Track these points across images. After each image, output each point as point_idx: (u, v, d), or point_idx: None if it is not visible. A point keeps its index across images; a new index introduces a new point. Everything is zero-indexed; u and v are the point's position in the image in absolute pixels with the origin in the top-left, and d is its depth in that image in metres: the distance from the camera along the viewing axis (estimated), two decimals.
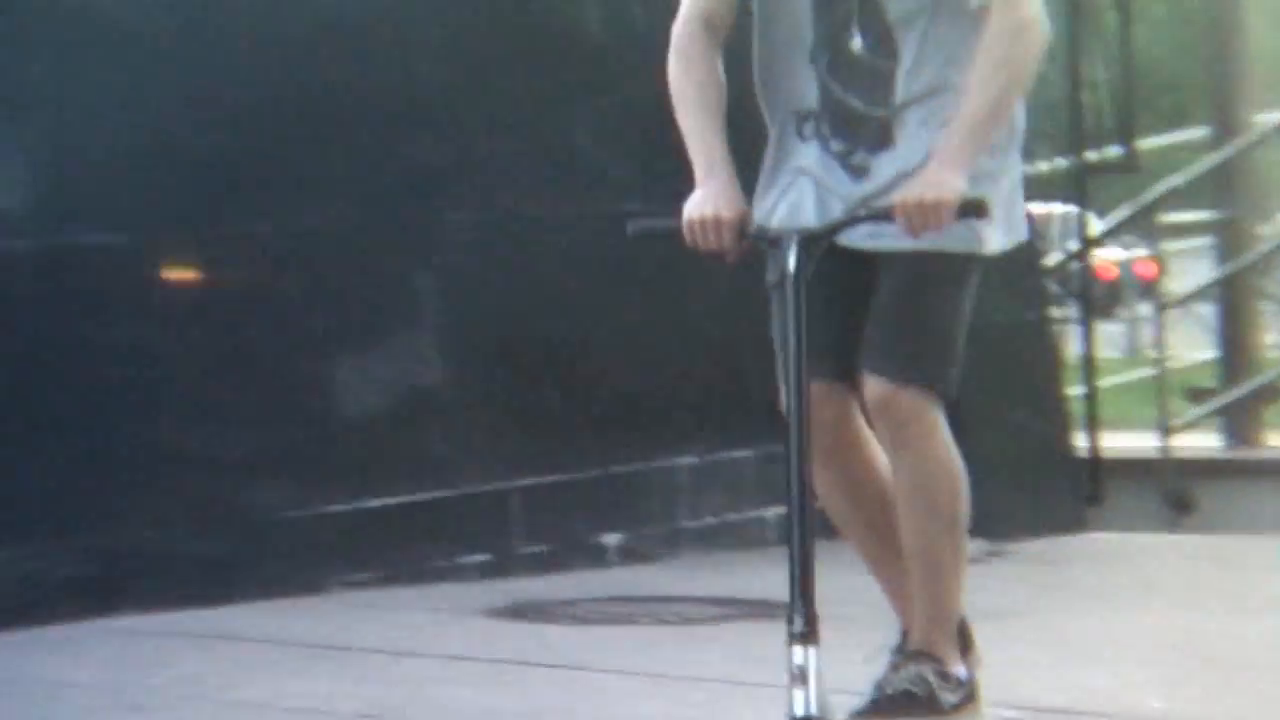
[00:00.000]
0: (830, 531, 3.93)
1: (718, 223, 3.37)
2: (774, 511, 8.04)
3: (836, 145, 3.62)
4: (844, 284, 3.57)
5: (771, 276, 3.38)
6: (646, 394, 8.24)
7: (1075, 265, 10.64)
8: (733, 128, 3.78)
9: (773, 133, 3.77)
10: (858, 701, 3.65)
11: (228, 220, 7.31)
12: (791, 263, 3.26)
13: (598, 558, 7.86)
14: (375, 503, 7.15)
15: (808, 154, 3.65)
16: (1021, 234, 3.75)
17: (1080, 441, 9.57)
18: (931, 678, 3.66)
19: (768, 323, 3.65)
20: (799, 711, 3.09)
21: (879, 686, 3.63)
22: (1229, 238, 11.41)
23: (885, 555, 3.80)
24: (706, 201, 3.41)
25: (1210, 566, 7.96)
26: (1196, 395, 11.11)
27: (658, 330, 8.36)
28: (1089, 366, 10.23)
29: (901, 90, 3.53)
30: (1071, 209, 10.69)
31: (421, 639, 6.39)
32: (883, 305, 3.60)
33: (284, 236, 8.22)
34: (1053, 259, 10.43)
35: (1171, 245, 13.50)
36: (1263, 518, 9.61)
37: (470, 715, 5.36)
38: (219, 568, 7.06)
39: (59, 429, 6.57)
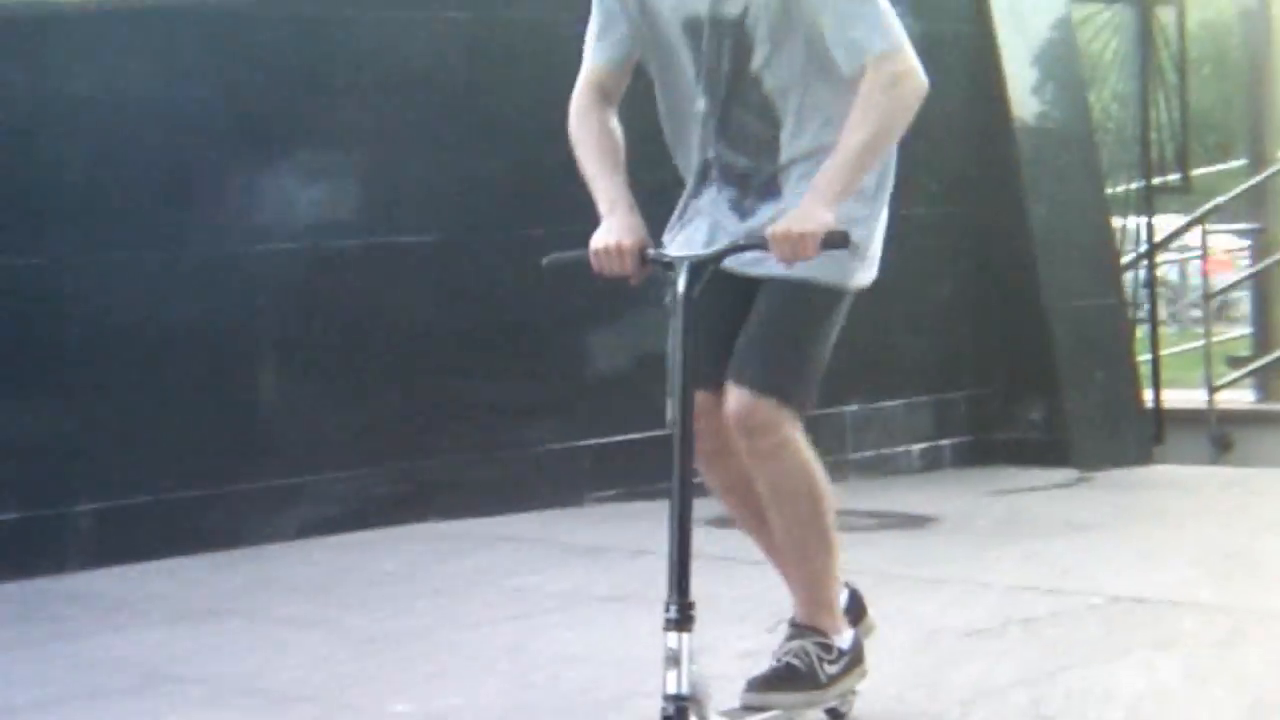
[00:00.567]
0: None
1: (619, 250, 3.49)
2: (918, 447, 9.22)
3: (728, 193, 3.76)
4: (729, 307, 3.68)
5: (667, 299, 3.51)
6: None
7: (1144, 263, 10.88)
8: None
9: (686, 179, 3.91)
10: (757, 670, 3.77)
11: (511, 226, 8.02)
12: (681, 285, 3.43)
13: None
14: (619, 438, 8.00)
15: (706, 196, 3.80)
16: (874, 273, 3.76)
17: (1147, 396, 10.10)
18: (813, 650, 3.77)
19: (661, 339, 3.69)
20: (670, 690, 3.26)
21: (773, 656, 3.77)
22: (1261, 242, 12.36)
23: (772, 543, 3.89)
24: (610, 233, 3.53)
25: (1244, 492, 8.39)
26: (1235, 362, 11.90)
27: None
28: (1153, 339, 10.72)
29: (785, 152, 3.65)
30: (1141, 220, 10.94)
31: (653, 541, 7.24)
32: (752, 324, 3.69)
33: (555, 240, 9.09)
34: (1126, 258, 10.55)
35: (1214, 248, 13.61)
36: None
37: (696, 599, 6.54)
38: (502, 487, 7.87)
39: (380, 382, 7.34)
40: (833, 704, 3.85)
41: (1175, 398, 10.93)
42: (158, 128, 6.75)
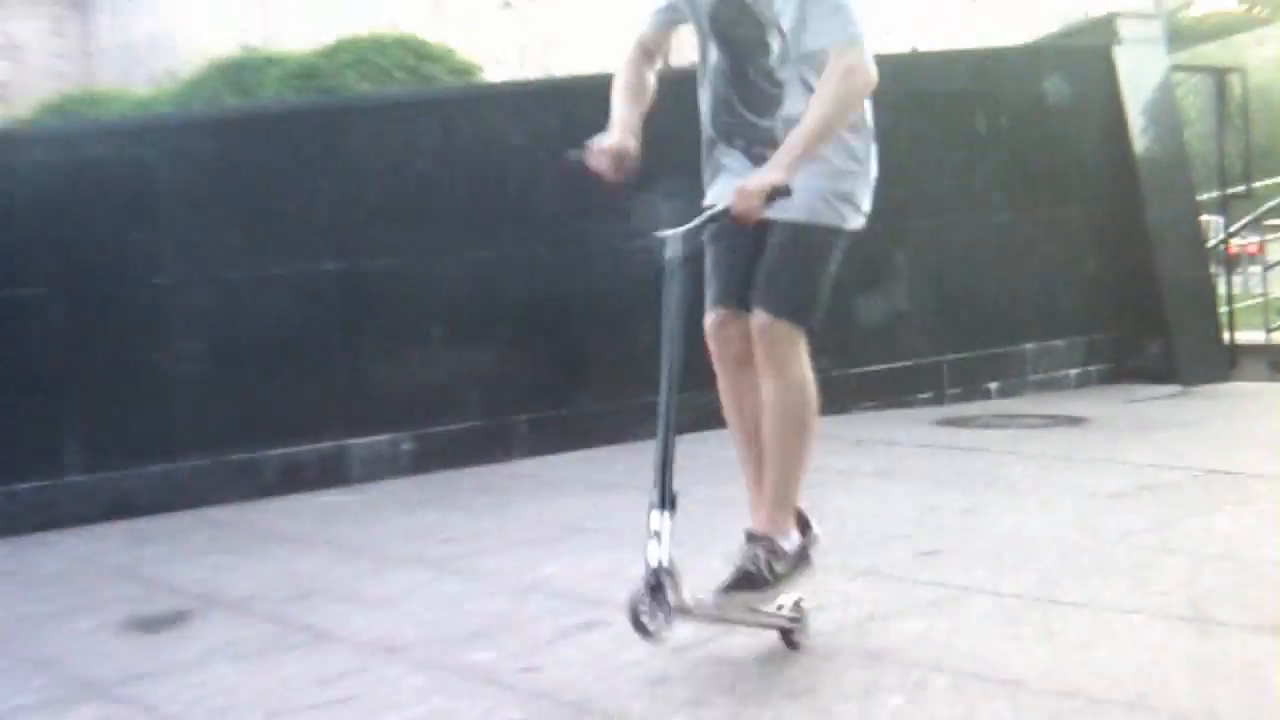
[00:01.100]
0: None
1: (600, 149, 3.64)
2: (1074, 371, 9.79)
3: (741, 145, 3.83)
4: (745, 242, 3.74)
5: (665, 260, 3.59)
6: (1005, 309, 9.59)
7: (1220, 247, 11.81)
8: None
9: (705, 136, 3.92)
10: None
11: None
12: (669, 252, 3.54)
13: (986, 396, 9.29)
14: (870, 368, 8.90)
15: (728, 153, 3.86)
16: (863, 220, 3.79)
17: (1226, 336, 10.83)
18: (762, 554, 3.75)
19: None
20: (652, 562, 3.33)
21: (731, 564, 3.74)
22: None
23: (749, 455, 3.89)
24: (602, 138, 3.65)
25: None
26: None
27: (1011, 273, 9.64)
28: (1229, 297, 11.43)
29: (784, 110, 3.70)
30: (1218, 218, 11.83)
31: (897, 435, 7.74)
32: (767, 258, 3.70)
33: None
34: (1210, 243, 11.32)
35: (1271, 237, 13.91)
36: None
37: (925, 473, 6.66)
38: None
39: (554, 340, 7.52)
40: (785, 625, 3.78)
41: (1244, 337, 11.38)
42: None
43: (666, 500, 3.38)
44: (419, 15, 14.94)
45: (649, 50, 3.90)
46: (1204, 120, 11.10)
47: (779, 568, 3.78)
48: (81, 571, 5.82)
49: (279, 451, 7.14)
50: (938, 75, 9.55)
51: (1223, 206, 11.27)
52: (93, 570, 5.85)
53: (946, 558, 5.10)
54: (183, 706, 4.00)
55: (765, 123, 3.73)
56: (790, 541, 3.81)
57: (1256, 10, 10.39)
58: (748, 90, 3.79)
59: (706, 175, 3.89)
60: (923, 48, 14.43)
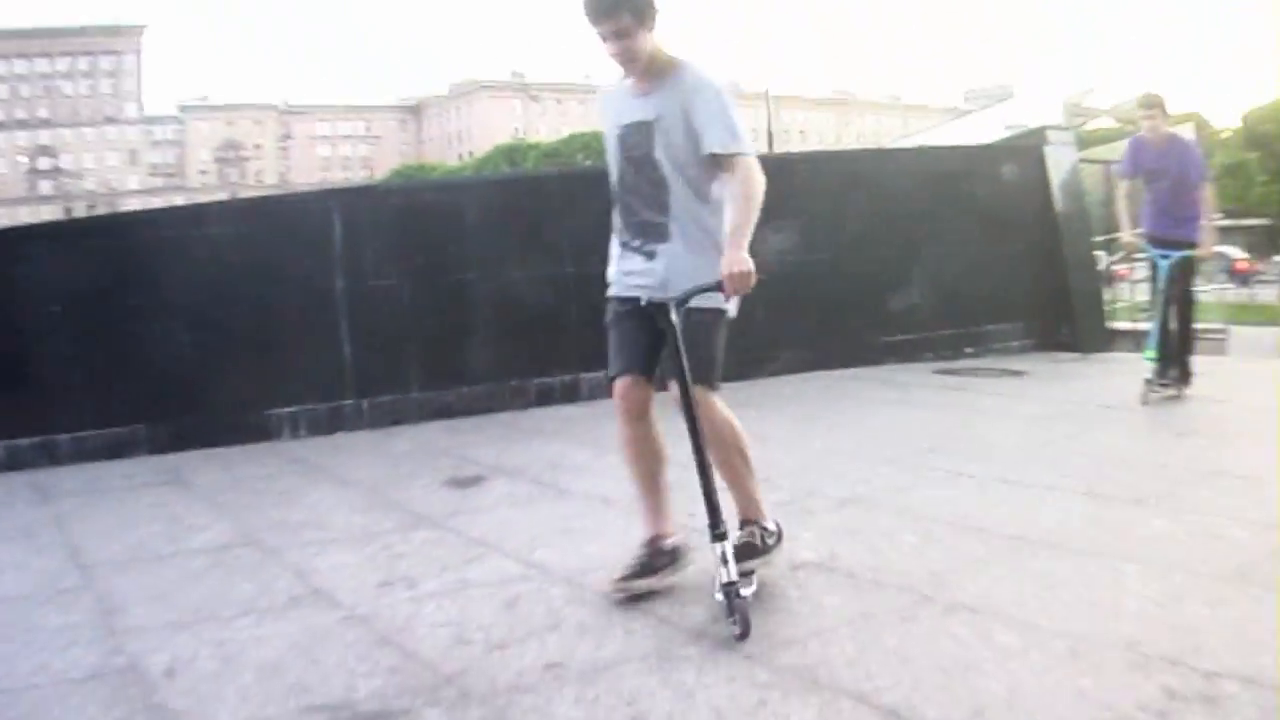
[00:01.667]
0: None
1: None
2: (1015, 343, 11.13)
3: (636, 236, 4.03)
4: (648, 324, 3.99)
5: (608, 318, 3.90)
6: (977, 304, 10.81)
7: (1106, 270, 12.54)
8: None
9: (616, 223, 4.04)
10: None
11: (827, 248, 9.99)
12: (674, 316, 3.80)
13: (965, 357, 10.60)
14: (895, 338, 10.62)
15: (626, 239, 4.12)
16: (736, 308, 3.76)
17: (1107, 324, 11.82)
18: (757, 531, 4.14)
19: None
20: (724, 580, 3.63)
21: (736, 539, 3.96)
22: None
23: (649, 488, 4.16)
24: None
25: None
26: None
27: (981, 282, 10.84)
28: (1111, 302, 12.18)
29: (673, 207, 3.94)
30: (1105, 253, 12.33)
31: (910, 379, 9.01)
32: (686, 339, 3.93)
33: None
34: (1100, 268, 11.95)
35: (1134, 264, 12.12)
36: None
37: (927, 402, 7.62)
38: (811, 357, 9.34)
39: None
40: (743, 590, 3.81)
41: (1118, 325, 12.29)
42: None
43: (717, 530, 3.80)
44: None
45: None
46: (1097, 192, 12.25)
47: (769, 541, 4.15)
48: (419, 451, 6.64)
49: (537, 380, 8.65)
50: (943, 161, 11.62)
51: (1107, 246, 12.08)
52: (425, 450, 6.63)
53: (941, 453, 5.80)
54: (481, 532, 4.65)
55: (658, 219, 3.94)
56: (769, 523, 4.13)
57: (1129, 127, 11.23)
58: (640, 190, 4.01)
59: (612, 252, 4.16)
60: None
